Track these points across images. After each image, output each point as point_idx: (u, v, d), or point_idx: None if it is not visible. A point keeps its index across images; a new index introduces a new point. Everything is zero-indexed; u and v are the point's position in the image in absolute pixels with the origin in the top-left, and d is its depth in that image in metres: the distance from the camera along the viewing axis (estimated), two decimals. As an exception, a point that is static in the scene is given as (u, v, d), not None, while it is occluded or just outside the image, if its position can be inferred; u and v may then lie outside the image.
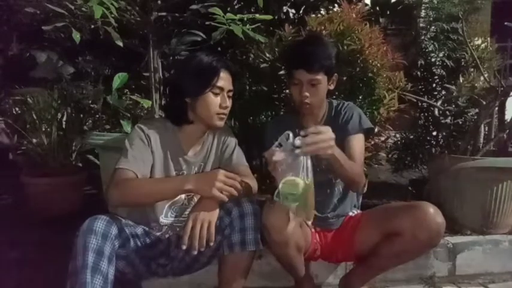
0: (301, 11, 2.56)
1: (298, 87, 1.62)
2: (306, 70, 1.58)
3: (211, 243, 1.35)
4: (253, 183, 1.56)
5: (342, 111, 1.70)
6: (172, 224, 1.57)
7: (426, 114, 2.66)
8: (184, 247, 1.33)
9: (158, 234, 1.55)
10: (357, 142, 1.64)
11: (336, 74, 1.67)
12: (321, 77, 1.59)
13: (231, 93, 1.54)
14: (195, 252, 1.33)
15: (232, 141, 1.65)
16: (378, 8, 2.56)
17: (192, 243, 1.32)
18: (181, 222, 1.58)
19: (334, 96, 1.82)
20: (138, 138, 1.48)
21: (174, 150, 1.54)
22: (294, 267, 1.63)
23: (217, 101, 1.50)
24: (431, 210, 1.50)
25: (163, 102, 2.24)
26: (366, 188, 2.14)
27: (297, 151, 1.27)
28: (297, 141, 1.28)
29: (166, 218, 1.56)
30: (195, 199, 1.55)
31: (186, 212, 1.58)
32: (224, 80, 1.51)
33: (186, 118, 1.54)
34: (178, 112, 1.54)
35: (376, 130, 2.07)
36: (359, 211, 1.80)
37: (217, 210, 1.38)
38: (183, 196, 1.56)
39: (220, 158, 1.63)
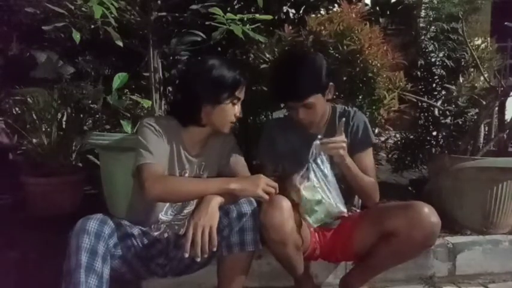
0: (301, 11, 2.56)
1: (293, 111, 1.63)
2: (295, 101, 1.59)
3: (214, 249, 1.35)
4: None
5: (350, 121, 1.70)
6: (171, 223, 1.57)
7: (426, 114, 2.66)
8: (187, 255, 1.33)
9: (156, 234, 1.55)
10: (369, 157, 1.69)
11: (331, 84, 1.64)
12: (314, 99, 1.58)
13: (240, 102, 1.58)
14: (199, 259, 1.33)
15: (231, 141, 1.67)
16: (378, 8, 2.56)
17: (195, 250, 1.32)
18: (180, 220, 1.58)
19: (334, 96, 1.81)
20: (151, 132, 1.48)
21: (178, 149, 1.54)
22: (293, 266, 1.63)
23: (233, 111, 1.54)
24: (426, 209, 1.49)
25: (163, 102, 2.24)
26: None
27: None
28: (316, 143, 1.50)
29: (166, 215, 1.56)
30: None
31: (185, 211, 1.58)
32: (243, 91, 1.55)
33: (198, 121, 1.54)
34: (192, 115, 1.54)
35: (376, 130, 2.07)
36: (358, 210, 1.80)
37: (218, 214, 1.38)
38: None
39: (219, 157, 1.63)
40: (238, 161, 1.63)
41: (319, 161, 1.50)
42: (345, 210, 1.49)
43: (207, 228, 1.34)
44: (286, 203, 1.45)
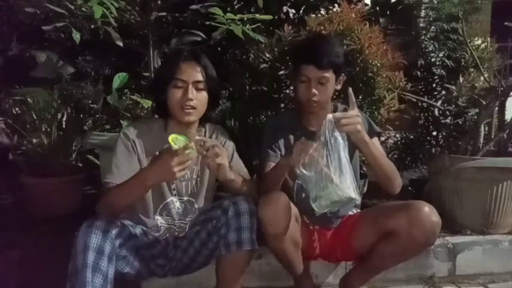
0: (301, 11, 2.56)
1: (306, 84, 1.61)
2: (316, 66, 1.57)
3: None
4: (253, 188, 1.55)
5: None
6: (171, 227, 1.57)
7: (426, 114, 2.66)
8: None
9: (157, 235, 1.55)
10: (377, 145, 1.66)
11: (343, 74, 1.67)
12: (330, 75, 1.59)
13: (201, 85, 1.47)
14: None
15: (229, 146, 1.62)
16: (378, 8, 2.56)
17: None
18: (181, 227, 1.57)
19: (334, 96, 1.82)
20: (123, 146, 1.48)
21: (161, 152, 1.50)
22: (291, 263, 1.63)
23: (178, 94, 1.45)
24: (426, 209, 1.50)
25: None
26: (366, 188, 2.14)
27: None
28: (329, 118, 1.38)
29: (161, 216, 1.55)
30: (196, 206, 1.57)
31: (187, 219, 1.58)
32: (186, 72, 1.45)
33: (166, 112, 1.51)
34: (159, 107, 1.55)
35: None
36: (358, 210, 1.80)
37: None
38: (174, 199, 1.55)
39: None
40: (239, 169, 1.60)
41: (332, 140, 1.37)
42: (357, 197, 1.40)
43: (218, 148, 1.38)
44: (282, 198, 1.45)
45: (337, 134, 1.38)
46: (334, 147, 1.37)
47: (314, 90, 1.59)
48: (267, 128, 1.77)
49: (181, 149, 1.28)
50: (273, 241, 1.51)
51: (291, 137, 1.72)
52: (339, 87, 1.68)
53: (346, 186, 1.37)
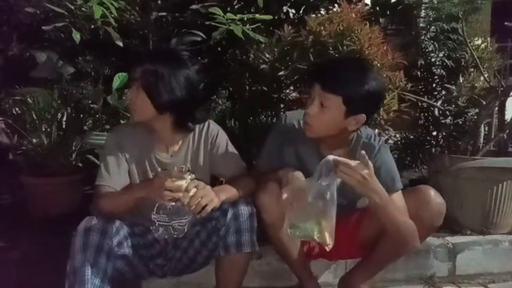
0: (301, 11, 2.55)
1: (309, 101, 1.47)
2: (320, 85, 1.42)
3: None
4: (251, 184, 1.54)
5: (372, 157, 1.47)
6: (168, 227, 1.57)
7: (426, 114, 2.66)
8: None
9: (156, 235, 1.56)
10: (398, 200, 1.52)
11: (363, 115, 1.44)
12: (332, 102, 1.40)
13: (136, 84, 1.44)
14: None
15: (222, 139, 1.59)
16: (378, 8, 2.56)
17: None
18: (177, 230, 1.57)
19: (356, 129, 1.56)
20: (110, 148, 1.48)
21: (148, 153, 1.51)
22: (289, 254, 1.62)
23: (129, 95, 1.49)
24: (432, 192, 1.59)
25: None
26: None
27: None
28: (328, 160, 1.31)
29: (157, 214, 1.55)
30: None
31: (184, 220, 1.57)
32: (138, 73, 1.44)
33: None
34: None
35: (376, 131, 2.07)
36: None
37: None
38: None
39: (211, 159, 1.58)
40: (235, 164, 1.59)
41: (325, 180, 1.29)
42: (331, 243, 1.33)
43: (209, 198, 1.32)
44: (276, 187, 1.46)
45: (333, 174, 1.31)
46: (326, 187, 1.30)
47: (308, 112, 1.44)
48: (276, 131, 1.67)
49: (176, 175, 1.30)
50: (270, 230, 1.53)
51: (299, 150, 1.60)
52: (351, 127, 1.47)
53: (326, 229, 1.32)
